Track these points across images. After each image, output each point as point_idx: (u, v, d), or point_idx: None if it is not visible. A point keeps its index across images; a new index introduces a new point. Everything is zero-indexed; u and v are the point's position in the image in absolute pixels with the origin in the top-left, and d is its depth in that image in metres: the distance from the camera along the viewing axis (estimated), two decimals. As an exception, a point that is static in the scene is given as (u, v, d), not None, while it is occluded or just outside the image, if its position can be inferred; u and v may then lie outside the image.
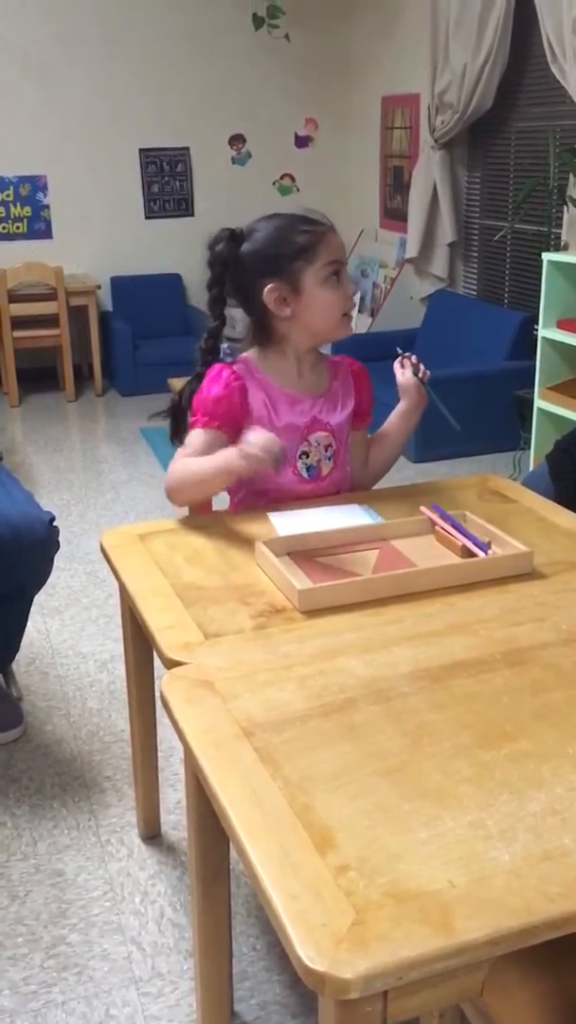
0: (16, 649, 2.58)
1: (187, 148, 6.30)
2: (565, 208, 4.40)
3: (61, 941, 1.86)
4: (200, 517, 1.86)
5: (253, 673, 1.31)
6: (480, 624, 1.43)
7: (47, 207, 6.13)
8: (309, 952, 0.86)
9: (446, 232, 5.47)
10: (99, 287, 6.10)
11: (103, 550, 1.75)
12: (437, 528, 1.71)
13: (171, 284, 6.39)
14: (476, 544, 1.62)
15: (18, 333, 5.73)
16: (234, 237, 1.84)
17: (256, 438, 1.68)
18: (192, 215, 6.39)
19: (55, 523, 2.31)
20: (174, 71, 6.10)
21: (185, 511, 1.96)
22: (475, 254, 5.58)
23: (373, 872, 0.95)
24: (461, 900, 0.91)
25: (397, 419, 2.03)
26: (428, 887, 0.93)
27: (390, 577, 1.53)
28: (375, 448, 2.06)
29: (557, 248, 4.43)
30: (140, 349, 5.96)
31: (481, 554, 1.60)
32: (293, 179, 6.56)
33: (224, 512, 1.91)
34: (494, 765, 1.11)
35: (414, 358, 1.99)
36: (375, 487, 2.09)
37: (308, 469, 1.90)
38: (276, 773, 1.10)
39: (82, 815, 2.21)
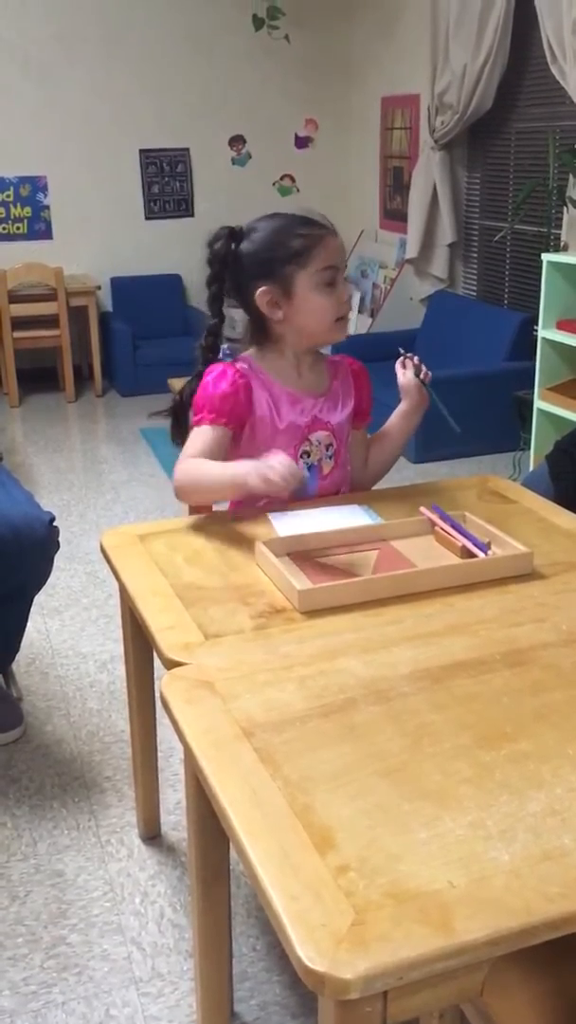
0: (16, 649, 2.58)
1: (187, 149, 6.31)
2: (565, 209, 4.40)
3: (61, 941, 1.86)
4: (200, 517, 1.86)
5: (253, 673, 1.31)
6: (480, 625, 1.43)
7: (47, 208, 6.13)
8: (309, 952, 0.87)
9: (446, 233, 5.47)
10: (99, 288, 6.10)
11: (103, 550, 1.75)
12: (437, 529, 1.71)
13: (171, 285, 6.39)
14: (476, 545, 1.62)
15: (18, 334, 5.73)
16: (233, 235, 1.84)
17: (280, 464, 1.63)
18: (192, 216, 6.40)
19: (55, 523, 2.31)
20: (174, 72, 6.11)
21: (186, 511, 1.96)
22: (475, 255, 5.58)
23: (373, 872, 0.95)
24: (461, 900, 0.91)
25: (398, 420, 2.03)
26: (428, 887, 0.93)
27: (390, 577, 1.53)
28: (375, 448, 2.06)
29: (557, 249, 4.43)
30: (140, 350, 5.96)
31: (481, 555, 1.60)
32: (293, 180, 6.56)
33: (224, 512, 1.91)
34: (494, 765, 1.11)
35: (416, 359, 1.99)
36: (375, 487, 2.09)
37: (309, 468, 1.90)
38: (276, 773, 1.10)
39: (82, 815, 2.21)
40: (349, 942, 0.87)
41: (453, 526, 1.69)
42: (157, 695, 1.44)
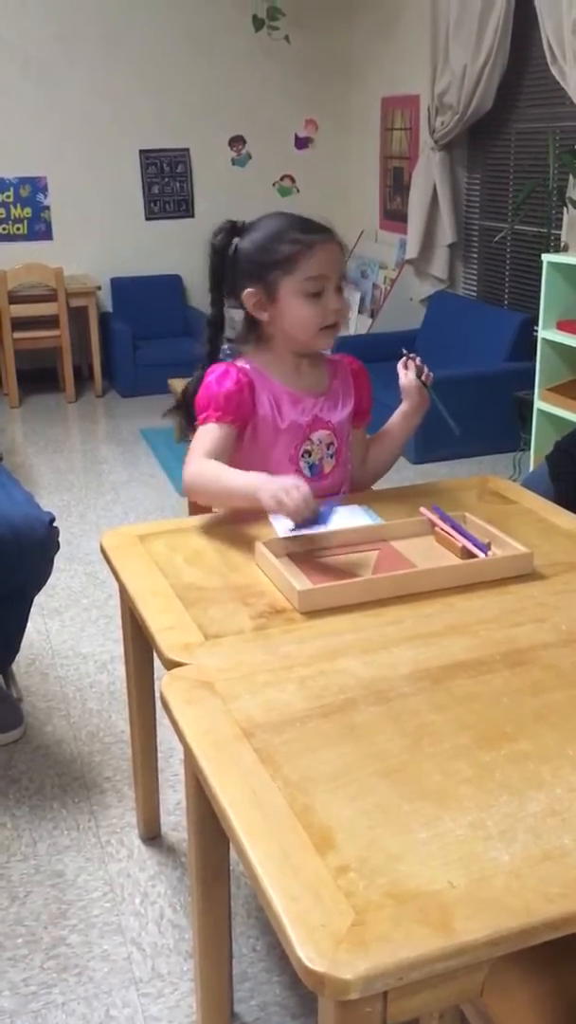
0: (16, 650, 2.58)
1: (187, 149, 6.31)
2: (565, 209, 4.40)
3: (61, 942, 1.86)
4: (200, 518, 1.86)
5: (253, 674, 1.31)
6: (480, 625, 1.43)
7: (47, 208, 6.13)
8: (309, 953, 0.86)
9: (446, 233, 5.47)
10: (99, 288, 6.10)
11: (103, 551, 1.75)
12: (437, 529, 1.71)
13: (171, 285, 6.39)
14: (476, 545, 1.62)
15: (18, 334, 5.73)
16: (234, 230, 1.85)
17: (298, 492, 1.59)
18: (192, 216, 6.40)
19: (55, 524, 2.31)
20: (174, 72, 6.11)
21: (186, 512, 1.97)
22: (475, 255, 5.58)
23: (373, 873, 0.95)
24: (461, 901, 0.91)
25: (398, 420, 2.03)
26: (428, 888, 0.93)
27: (390, 578, 1.53)
28: (375, 447, 2.06)
29: (557, 249, 4.43)
30: (140, 350, 5.96)
31: (481, 555, 1.60)
32: (293, 180, 6.56)
33: (224, 513, 1.91)
34: (494, 766, 1.11)
35: (418, 360, 1.99)
36: (375, 488, 2.09)
37: (310, 467, 1.90)
38: (276, 774, 1.10)
39: (82, 816, 2.21)
40: (349, 942, 0.87)
41: (453, 526, 1.69)
42: (157, 695, 1.44)
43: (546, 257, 4.05)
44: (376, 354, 3.41)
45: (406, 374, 1.98)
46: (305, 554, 1.65)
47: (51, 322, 5.77)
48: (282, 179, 6.55)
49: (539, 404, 4.19)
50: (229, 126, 6.35)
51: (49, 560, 2.36)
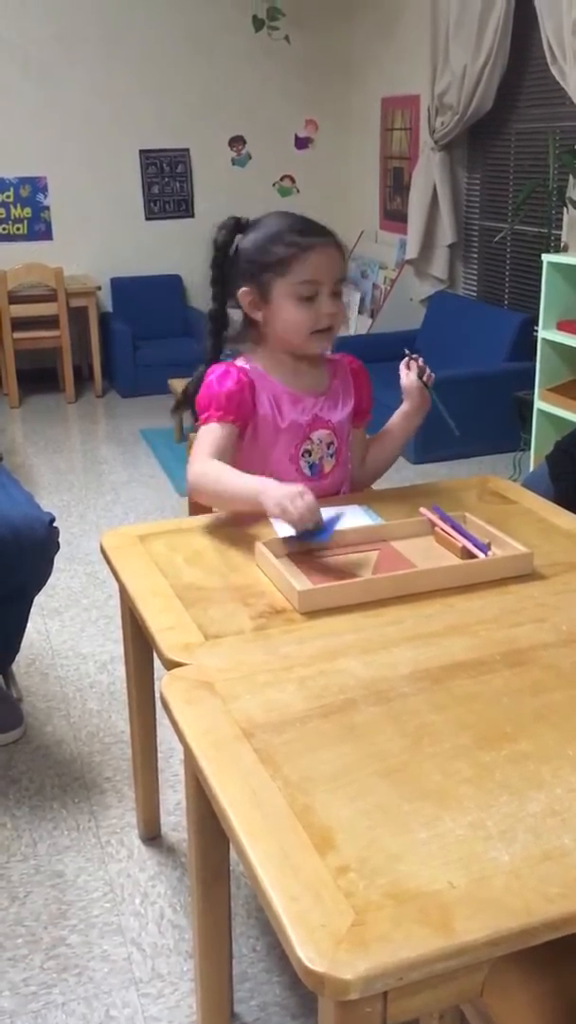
0: (16, 650, 2.58)
1: (187, 149, 6.31)
2: (565, 209, 4.40)
3: (61, 942, 1.86)
4: (200, 518, 1.86)
5: (253, 674, 1.31)
6: (480, 625, 1.43)
7: (47, 208, 6.13)
8: (309, 953, 0.86)
9: (446, 233, 5.47)
10: (99, 288, 6.10)
11: (103, 551, 1.75)
12: (437, 529, 1.71)
13: (171, 285, 6.39)
14: (476, 545, 1.62)
15: (18, 334, 5.73)
16: (237, 227, 1.85)
17: (303, 502, 1.58)
18: (192, 216, 6.40)
19: (55, 524, 2.31)
20: (174, 72, 6.11)
21: (186, 512, 1.97)
22: (475, 255, 5.58)
23: (373, 873, 0.95)
24: (461, 901, 0.91)
25: (399, 420, 2.03)
26: (428, 888, 0.93)
27: (390, 578, 1.53)
28: (375, 447, 2.06)
29: (557, 249, 4.43)
30: (140, 350, 5.96)
31: (481, 555, 1.60)
32: (293, 180, 6.56)
33: (224, 513, 1.91)
34: (494, 766, 1.11)
35: (420, 360, 1.98)
36: (375, 487, 2.09)
37: (311, 467, 1.90)
38: (276, 774, 1.10)
39: (82, 816, 2.21)
40: (349, 943, 0.87)
41: (453, 527, 1.69)
42: (157, 696, 1.44)
43: (546, 257, 4.05)
44: (376, 354, 3.42)
45: (408, 374, 1.98)
46: (305, 554, 1.65)
47: (51, 322, 5.77)
48: (282, 179, 6.55)
49: (539, 404, 4.19)
50: (229, 126, 6.35)
51: (49, 560, 2.36)
